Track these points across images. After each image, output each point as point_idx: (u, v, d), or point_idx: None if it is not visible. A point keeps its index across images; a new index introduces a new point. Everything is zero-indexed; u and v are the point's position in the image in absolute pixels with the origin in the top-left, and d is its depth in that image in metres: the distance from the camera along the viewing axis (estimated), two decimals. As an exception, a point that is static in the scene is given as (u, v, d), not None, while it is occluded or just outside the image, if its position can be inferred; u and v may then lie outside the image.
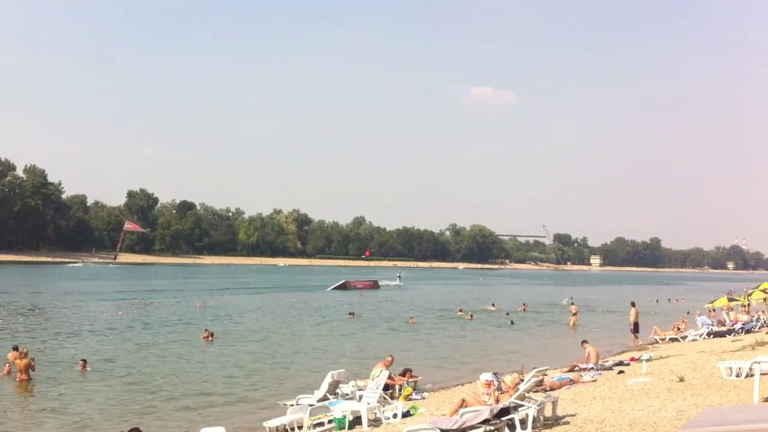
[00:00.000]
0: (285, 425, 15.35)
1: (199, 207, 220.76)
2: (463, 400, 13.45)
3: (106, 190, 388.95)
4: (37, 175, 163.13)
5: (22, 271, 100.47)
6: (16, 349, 24.29)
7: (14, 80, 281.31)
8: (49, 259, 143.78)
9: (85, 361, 23.26)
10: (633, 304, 34.38)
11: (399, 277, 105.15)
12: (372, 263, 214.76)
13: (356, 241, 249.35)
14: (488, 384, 13.68)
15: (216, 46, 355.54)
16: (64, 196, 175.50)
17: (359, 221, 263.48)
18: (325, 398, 16.92)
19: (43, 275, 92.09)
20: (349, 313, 45.99)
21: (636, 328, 33.15)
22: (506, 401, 12.59)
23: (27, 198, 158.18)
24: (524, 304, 55.33)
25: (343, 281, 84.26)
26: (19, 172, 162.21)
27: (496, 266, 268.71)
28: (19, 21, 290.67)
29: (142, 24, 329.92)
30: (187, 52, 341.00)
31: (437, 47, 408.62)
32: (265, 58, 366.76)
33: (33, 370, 21.30)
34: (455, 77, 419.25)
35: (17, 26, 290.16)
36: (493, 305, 54.26)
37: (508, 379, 14.83)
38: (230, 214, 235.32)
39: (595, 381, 19.20)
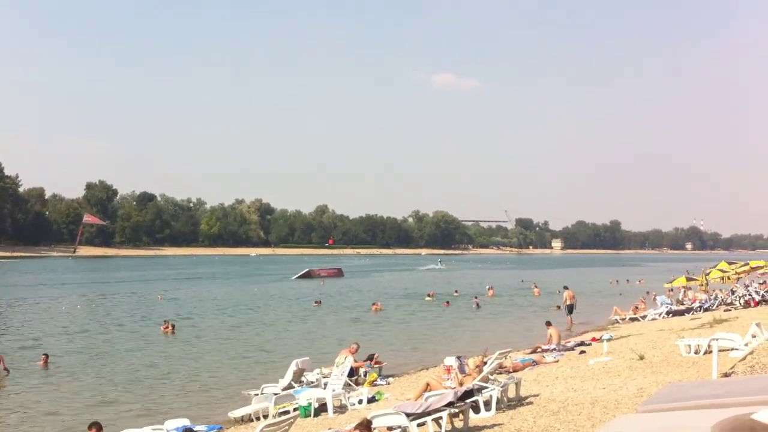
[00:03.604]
0: (250, 414, 15.31)
1: (159, 198, 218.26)
2: (428, 384, 13.50)
3: (64, 183, 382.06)
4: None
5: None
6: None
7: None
8: (8, 254, 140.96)
9: (47, 356, 22.92)
10: (566, 288, 37.04)
11: (440, 262, 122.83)
12: (335, 251, 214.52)
13: (319, 230, 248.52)
14: (448, 369, 13.76)
15: (172, 36, 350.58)
16: (21, 190, 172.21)
17: (322, 210, 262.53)
18: (290, 387, 16.88)
19: (1, 270, 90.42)
20: (315, 302, 45.90)
21: (570, 310, 34.12)
22: (470, 384, 12.65)
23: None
24: (491, 288, 55.70)
25: (307, 270, 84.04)
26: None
27: (459, 251, 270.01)
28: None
29: (92, 13, 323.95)
30: (140, 42, 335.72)
31: (398, 34, 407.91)
32: (221, 47, 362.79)
33: (6, 371, 20.78)
34: (416, 64, 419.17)
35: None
36: (456, 291, 54.56)
37: (471, 362, 14.93)
38: (191, 204, 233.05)
39: (557, 361, 19.41)
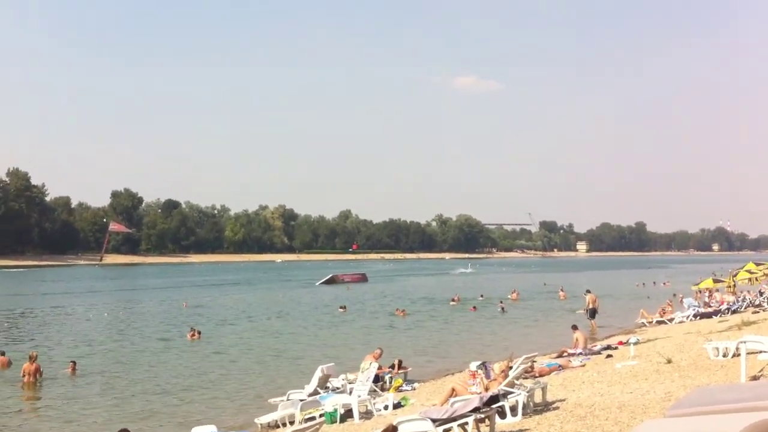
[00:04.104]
0: (276, 421, 15.37)
1: (184, 205, 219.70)
2: (453, 390, 13.49)
3: (90, 192, 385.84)
4: (20, 178, 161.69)
5: (10, 276, 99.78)
6: (2, 354, 24.26)
7: None
8: (35, 263, 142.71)
9: (74, 364, 23.14)
10: (588, 291, 36.67)
11: (470, 265, 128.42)
12: (359, 256, 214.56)
13: (343, 235, 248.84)
14: (473, 375, 13.75)
15: (196, 45, 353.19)
16: (48, 199, 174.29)
17: (345, 215, 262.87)
18: (315, 393, 16.92)
19: (30, 279, 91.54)
20: (341, 307, 45.97)
21: (593, 314, 33.88)
22: (496, 389, 12.63)
23: (11, 201, 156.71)
24: (515, 292, 55.49)
25: (331, 275, 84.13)
26: (2, 175, 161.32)
27: (483, 255, 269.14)
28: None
29: (119, 23, 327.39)
30: (165, 50, 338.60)
31: (417, 38, 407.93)
32: (245, 56, 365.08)
33: (41, 376, 21.45)
34: (437, 68, 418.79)
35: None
36: (481, 295, 54.32)
37: (497, 367, 14.89)
38: (216, 211, 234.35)
39: (584, 366, 19.31)
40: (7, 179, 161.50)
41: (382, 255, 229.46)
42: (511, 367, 14.61)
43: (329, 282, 79.72)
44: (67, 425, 16.57)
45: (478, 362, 15.69)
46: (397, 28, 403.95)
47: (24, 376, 21.19)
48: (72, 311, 46.31)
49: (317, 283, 78.59)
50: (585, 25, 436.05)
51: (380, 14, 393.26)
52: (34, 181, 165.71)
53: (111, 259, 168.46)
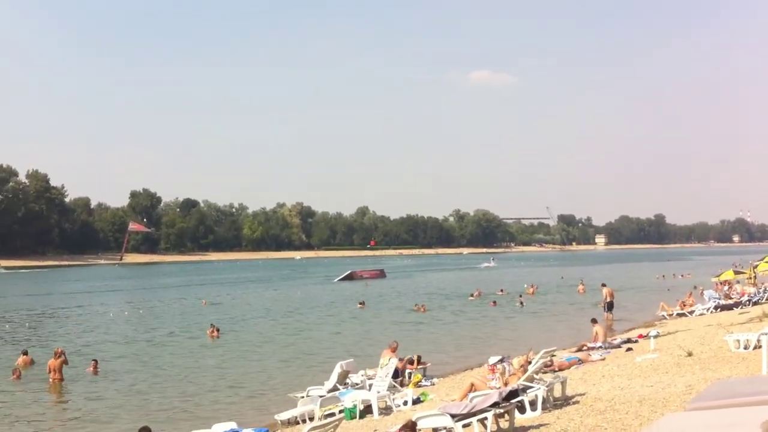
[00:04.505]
0: (296, 417, 15.42)
1: (202, 204, 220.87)
2: (472, 385, 13.46)
3: (109, 192, 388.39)
4: (39, 179, 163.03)
5: (31, 276, 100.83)
6: (25, 353, 24.50)
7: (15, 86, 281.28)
8: (56, 263, 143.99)
9: (96, 362, 23.33)
10: (604, 285, 37.05)
11: (493, 259, 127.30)
12: (377, 252, 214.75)
13: (361, 231, 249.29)
14: (492, 369, 13.72)
15: (210, 43, 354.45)
16: (67, 200, 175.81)
17: (363, 211, 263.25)
18: (335, 389, 16.96)
19: (51, 279, 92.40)
20: (359, 303, 46.05)
21: (609, 307, 33.76)
22: (515, 383, 12.60)
23: (31, 203, 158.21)
24: (532, 286, 55.33)
25: (349, 272, 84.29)
26: (22, 177, 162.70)
27: (501, 250, 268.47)
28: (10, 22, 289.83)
29: (135, 24, 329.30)
30: (179, 50, 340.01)
31: (431, 33, 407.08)
32: (260, 55, 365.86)
33: (67, 364, 21.85)
34: (452, 62, 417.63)
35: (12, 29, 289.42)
36: (501, 290, 54.18)
37: (516, 362, 14.86)
38: (234, 210, 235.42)
39: (603, 359, 19.23)
40: (26, 181, 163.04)
41: (400, 251, 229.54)
42: (530, 362, 14.59)
43: (348, 278, 79.90)
44: (90, 424, 16.72)
45: (497, 357, 15.66)
46: (411, 24, 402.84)
47: (50, 372, 21.42)
48: (93, 310, 46.68)
49: (335, 280, 78.79)
50: (600, 13, 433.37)
51: (395, 9, 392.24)
52: (53, 183, 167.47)
53: (131, 258, 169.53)
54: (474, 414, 11.01)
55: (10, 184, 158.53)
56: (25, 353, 24.63)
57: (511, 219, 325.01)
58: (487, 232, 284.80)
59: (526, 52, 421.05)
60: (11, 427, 16.42)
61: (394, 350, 18.62)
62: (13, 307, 48.72)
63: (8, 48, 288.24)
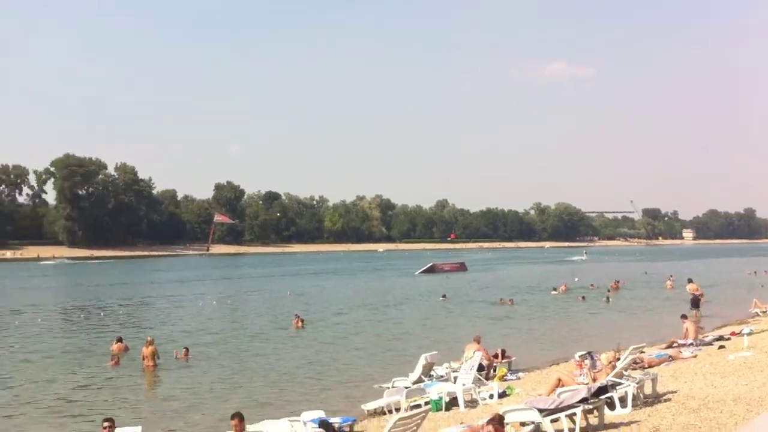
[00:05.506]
0: (382, 407, 15.59)
1: (284, 197, 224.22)
2: (559, 380, 13.38)
3: (193, 184, 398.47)
4: (128, 172, 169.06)
5: (122, 266, 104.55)
6: (120, 340, 25.46)
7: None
8: (146, 253, 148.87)
9: (187, 350, 24.07)
10: (690, 281, 36.93)
11: (585, 253, 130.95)
12: (458, 246, 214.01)
13: (440, 224, 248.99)
14: (579, 365, 13.60)
15: (295, 39, 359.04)
16: (155, 192, 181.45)
17: (442, 204, 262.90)
18: (419, 380, 17.10)
19: (142, 269, 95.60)
20: (442, 296, 46.08)
21: (695, 304, 32.56)
22: (603, 379, 12.47)
23: (120, 195, 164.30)
24: (617, 281, 54.22)
25: (430, 264, 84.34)
26: (111, 170, 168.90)
27: (584, 244, 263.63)
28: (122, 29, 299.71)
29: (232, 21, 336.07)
30: (267, 45, 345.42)
31: (506, 22, 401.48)
32: (342, 47, 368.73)
33: (158, 358, 22.59)
34: (528, 53, 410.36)
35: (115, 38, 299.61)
36: (592, 285, 53.21)
37: (604, 358, 14.69)
38: (314, 202, 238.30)
39: (695, 357, 18.80)
40: (115, 174, 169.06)
41: (480, 244, 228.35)
42: (618, 358, 14.39)
43: (429, 271, 79.97)
44: (183, 410, 17.25)
45: (583, 352, 15.50)
46: (484, 15, 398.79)
47: (143, 359, 22.28)
48: (183, 299, 48.14)
49: (417, 272, 78.93)
50: (681, 3, 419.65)
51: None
52: (140, 176, 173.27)
53: (217, 249, 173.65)
54: (562, 409, 10.95)
55: (100, 176, 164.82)
56: (120, 340, 25.56)
57: (594, 213, 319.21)
58: (569, 225, 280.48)
59: (606, 43, 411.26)
60: (111, 413, 17.12)
61: (478, 343, 18.64)
62: (107, 296, 50.69)
63: (106, 48, 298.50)
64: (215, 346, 27.16)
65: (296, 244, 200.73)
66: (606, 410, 11.57)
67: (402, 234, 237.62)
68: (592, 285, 52.95)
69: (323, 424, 12.76)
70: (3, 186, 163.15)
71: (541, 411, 10.88)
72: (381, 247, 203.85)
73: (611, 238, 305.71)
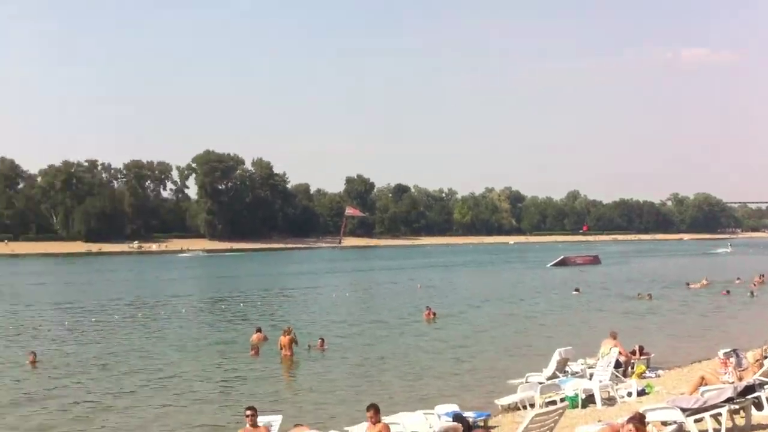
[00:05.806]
0: (516, 403, 15.56)
1: (413, 189, 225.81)
2: (703, 378, 12.98)
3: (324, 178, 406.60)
4: (263, 167, 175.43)
5: (260, 258, 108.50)
6: (259, 330, 26.47)
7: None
8: (281, 245, 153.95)
9: (323, 340, 24.77)
10: None
11: (730, 245, 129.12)
12: (590, 238, 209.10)
13: (572, 216, 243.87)
14: (724, 363, 13.14)
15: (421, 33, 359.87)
16: (289, 186, 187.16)
17: (574, 195, 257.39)
18: (554, 376, 16.95)
19: (277, 260, 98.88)
20: (575, 290, 45.28)
21: None
22: (750, 378, 12.01)
23: (257, 189, 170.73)
24: (761, 276, 51.51)
25: (562, 257, 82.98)
26: (248, 165, 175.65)
27: (726, 236, 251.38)
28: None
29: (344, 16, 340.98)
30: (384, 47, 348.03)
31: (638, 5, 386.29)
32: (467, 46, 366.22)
33: (296, 344, 23.40)
34: (665, 39, 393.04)
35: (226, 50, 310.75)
36: (738, 279, 50.80)
37: (750, 356, 14.15)
38: (443, 194, 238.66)
39: None
40: (252, 168, 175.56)
41: (615, 236, 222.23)
42: (766, 356, 13.81)
43: (561, 264, 78.71)
44: (320, 400, 17.76)
45: (728, 349, 14.92)
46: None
47: (281, 348, 23.11)
48: (318, 291, 49.56)
49: (548, 265, 77.84)
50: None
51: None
52: (275, 170, 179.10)
53: (348, 241, 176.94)
54: (706, 409, 10.65)
55: (238, 171, 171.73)
56: (259, 330, 26.53)
57: (736, 203, 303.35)
58: (709, 216, 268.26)
59: (748, 28, 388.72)
60: (253, 402, 17.92)
61: (614, 339, 18.23)
62: (246, 287, 52.82)
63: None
64: (349, 336, 27.84)
65: (426, 236, 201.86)
66: (753, 411, 11.14)
67: (532, 226, 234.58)
68: (738, 279, 50.47)
69: (457, 417, 12.82)
70: (149, 182, 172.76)
71: (684, 410, 10.61)
72: (511, 239, 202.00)
73: (755, 229, 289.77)
